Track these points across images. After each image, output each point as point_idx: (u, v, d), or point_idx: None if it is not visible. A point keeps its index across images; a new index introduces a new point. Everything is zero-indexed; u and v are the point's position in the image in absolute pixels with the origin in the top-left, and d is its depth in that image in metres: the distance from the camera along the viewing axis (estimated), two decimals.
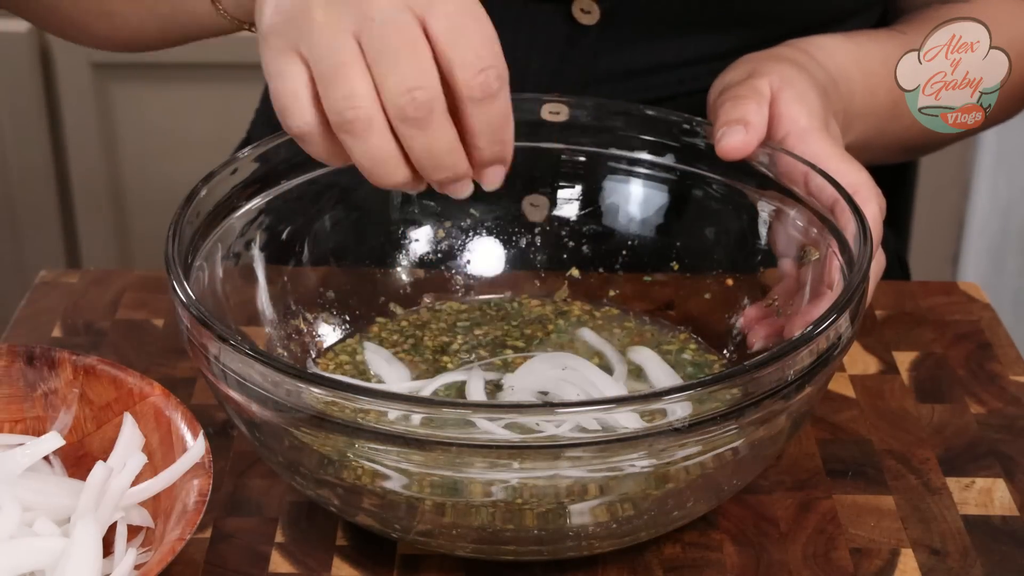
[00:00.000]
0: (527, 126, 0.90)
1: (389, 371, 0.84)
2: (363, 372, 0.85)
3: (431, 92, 0.67)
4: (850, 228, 0.78)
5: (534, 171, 0.91)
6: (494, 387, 0.83)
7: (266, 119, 1.14)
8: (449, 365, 0.85)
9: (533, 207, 0.92)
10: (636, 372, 0.84)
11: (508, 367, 0.85)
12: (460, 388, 0.82)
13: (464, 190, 0.72)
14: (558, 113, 0.90)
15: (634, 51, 0.96)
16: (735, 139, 0.82)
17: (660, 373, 0.84)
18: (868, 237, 0.76)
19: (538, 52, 0.97)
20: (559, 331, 0.88)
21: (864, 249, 0.75)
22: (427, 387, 0.82)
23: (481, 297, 0.91)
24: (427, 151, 0.68)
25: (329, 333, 0.88)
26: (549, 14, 0.96)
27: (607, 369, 0.84)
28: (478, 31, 0.69)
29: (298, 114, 0.69)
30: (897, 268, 1.12)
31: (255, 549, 0.76)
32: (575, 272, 0.92)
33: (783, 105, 0.84)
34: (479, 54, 0.68)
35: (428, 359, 0.86)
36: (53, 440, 0.74)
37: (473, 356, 0.86)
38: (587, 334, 0.87)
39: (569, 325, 0.89)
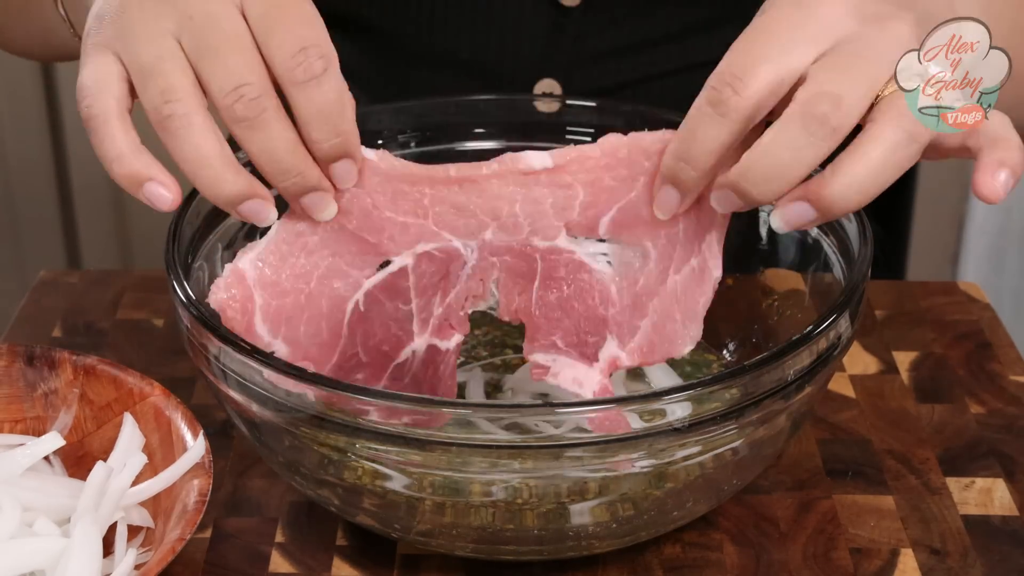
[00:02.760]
0: (524, 126, 0.91)
1: None
2: None
3: (260, 87, 0.64)
4: (851, 228, 0.78)
5: None
6: (494, 388, 0.82)
7: None
8: None
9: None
10: (635, 372, 0.84)
11: (508, 368, 0.85)
12: (460, 388, 0.82)
13: (323, 206, 0.68)
14: (551, 93, 0.90)
15: (619, 29, 0.97)
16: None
17: (659, 373, 0.84)
18: (868, 237, 0.76)
19: (525, 39, 0.97)
20: None
21: (864, 250, 0.75)
22: None
23: None
24: (266, 152, 0.65)
25: None
26: None
27: None
28: (296, 10, 0.65)
29: (96, 95, 0.65)
30: (883, 266, 1.12)
31: (255, 549, 0.76)
32: None
33: None
34: (297, 34, 0.65)
35: None
36: (53, 440, 0.74)
37: (473, 356, 0.86)
38: None
39: None
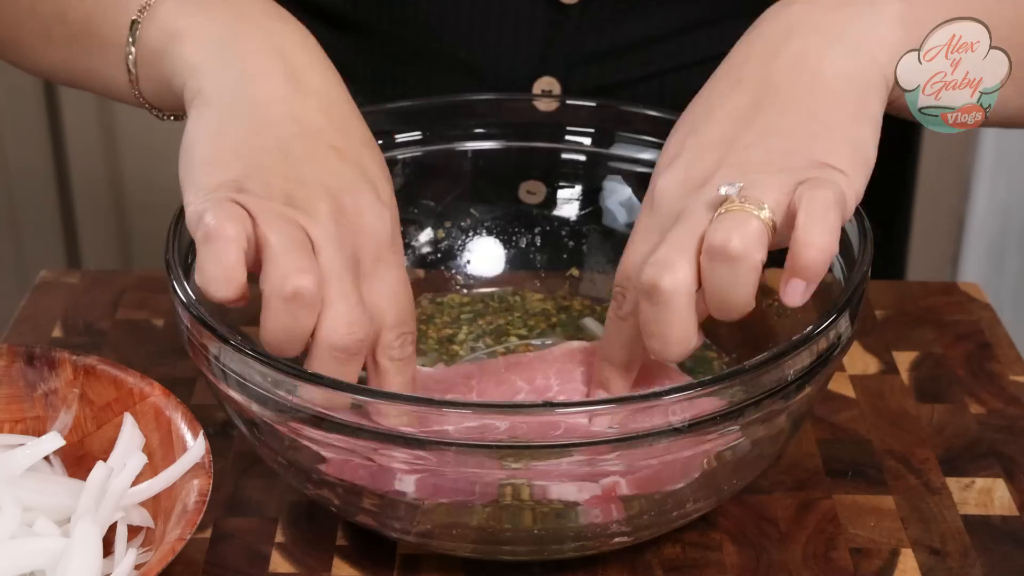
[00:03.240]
0: (527, 126, 0.91)
1: None
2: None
3: (365, 333, 0.69)
4: (851, 228, 0.78)
5: (530, 165, 0.91)
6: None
7: None
8: (460, 352, 0.86)
9: (530, 193, 0.92)
10: None
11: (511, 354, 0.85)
12: None
13: None
14: (550, 91, 0.91)
15: (619, 28, 0.96)
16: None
17: None
18: (868, 237, 0.76)
19: (523, 39, 0.97)
20: (563, 324, 0.89)
21: (864, 250, 0.75)
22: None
23: (484, 291, 0.91)
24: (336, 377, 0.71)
25: None
26: None
27: None
28: (408, 300, 0.73)
29: (231, 221, 0.67)
30: (883, 266, 1.12)
31: (255, 549, 0.76)
32: (575, 272, 0.92)
33: None
34: (404, 319, 0.73)
35: (435, 349, 0.86)
36: (53, 440, 0.74)
37: (480, 344, 0.87)
38: (591, 323, 0.88)
39: (571, 318, 0.89)
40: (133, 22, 0.77)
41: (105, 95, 0.83)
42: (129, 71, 0.79)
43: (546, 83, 0.97)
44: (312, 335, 0.68)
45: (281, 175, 0.71)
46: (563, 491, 0.70)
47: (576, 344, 0.81)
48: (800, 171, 0.70)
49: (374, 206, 0.72)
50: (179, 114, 0.79)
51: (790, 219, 0.69)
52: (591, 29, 0.96)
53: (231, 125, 0.72)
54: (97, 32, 0.80)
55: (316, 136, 0.73)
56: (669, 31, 0.97)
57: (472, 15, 0.97)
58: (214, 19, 0.76)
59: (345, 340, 0.68)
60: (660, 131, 0.88)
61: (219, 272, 0.67)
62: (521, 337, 0.87)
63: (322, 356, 0.69)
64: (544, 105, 0.92)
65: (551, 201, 0.92)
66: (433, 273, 0.91)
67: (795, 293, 0.69)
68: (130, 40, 0.78)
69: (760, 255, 0.68)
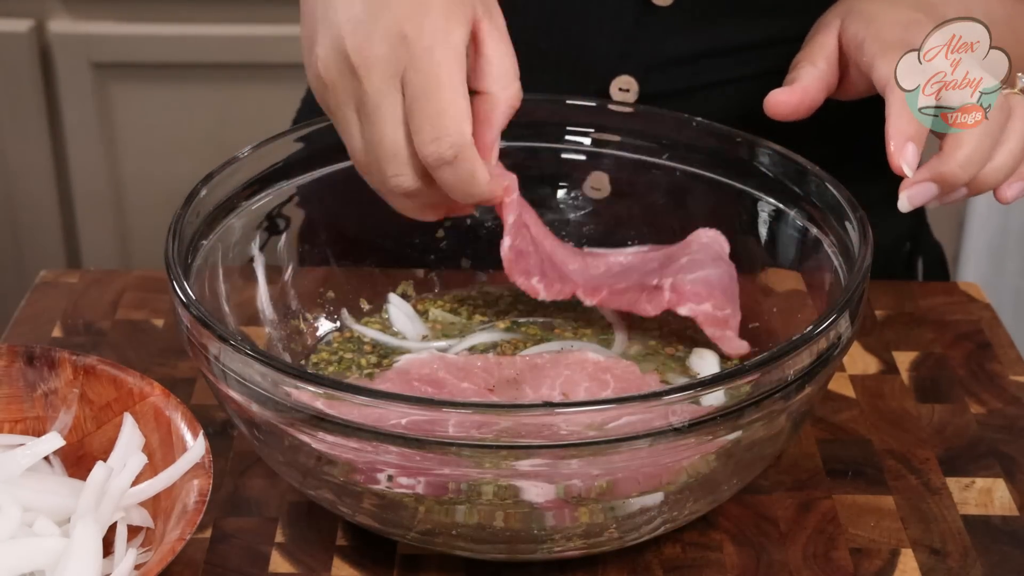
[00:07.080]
0: (527, 127, 0.91)
1: (410, 328, 0.87)
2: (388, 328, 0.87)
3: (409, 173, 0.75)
4: (850, 228, 0.78)
5: (531, 165, 0.91)
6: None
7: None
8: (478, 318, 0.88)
9: (595, 189, 0.92)
10: (680, 364, 0.85)
11: (521, 327, 0.87)
12: (486, 348, 0.85)
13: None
14: (628, 91, 0.93)
15: (705, 33, 0.95)
16: (776, 96, 0.85)
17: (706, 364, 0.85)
18: (868, 238, 0.76)
19: (606, 33, 0.96)
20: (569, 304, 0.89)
21: (864, 250, 0.75)
22: (456, 347, 0.85)
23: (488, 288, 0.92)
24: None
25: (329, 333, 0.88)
26: None
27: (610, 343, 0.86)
28: (435, 101, 0.74)
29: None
30: (938, 270, 1.11)
31: (255, 549, 0.77)
32: None
33: (846, 35, 0.85)
34: (434, 123, 0.74)
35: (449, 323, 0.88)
36: (53, 440, 0.74)
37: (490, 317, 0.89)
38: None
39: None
40: None
41: None
42: None
43: (624, 82, 0.96)
44: None
45: None
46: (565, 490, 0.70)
47: (591, 349, 0.80)
48: None
49: None
50: None
51: None
52: (677, 32, 0.95)
53: None
54: None
55: None
56: (753, 42, 0.96)
57: (556, 4, 0.96)
58: None
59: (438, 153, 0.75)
60: (660, 131, 0.88)
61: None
62: (526, 313, 0.88)
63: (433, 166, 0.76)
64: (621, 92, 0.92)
65: (611, 179, 0.92)
66: (434, 273, 0.91)
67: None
68: None
69: None
